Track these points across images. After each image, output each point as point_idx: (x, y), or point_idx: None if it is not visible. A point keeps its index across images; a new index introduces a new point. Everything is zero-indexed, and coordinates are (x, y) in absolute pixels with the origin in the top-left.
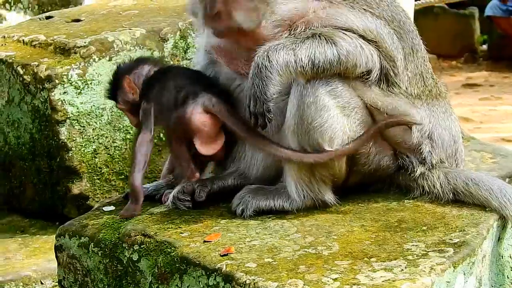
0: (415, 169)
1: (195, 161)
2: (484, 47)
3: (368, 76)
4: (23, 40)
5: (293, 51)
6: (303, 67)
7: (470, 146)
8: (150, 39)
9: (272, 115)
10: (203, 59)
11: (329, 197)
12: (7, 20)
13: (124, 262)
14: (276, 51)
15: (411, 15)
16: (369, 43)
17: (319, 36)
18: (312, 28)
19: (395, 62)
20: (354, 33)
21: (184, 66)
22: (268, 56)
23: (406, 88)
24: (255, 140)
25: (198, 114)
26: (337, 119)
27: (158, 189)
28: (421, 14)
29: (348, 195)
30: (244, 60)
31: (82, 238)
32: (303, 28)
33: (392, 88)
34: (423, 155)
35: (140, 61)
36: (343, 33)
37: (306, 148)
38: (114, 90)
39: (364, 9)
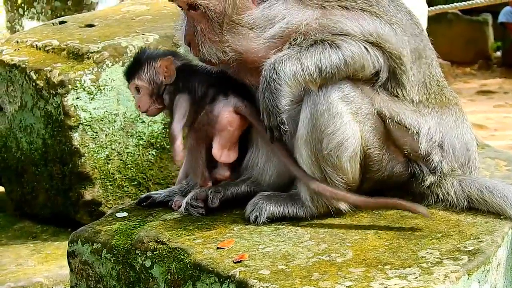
0: (425, 178)
1: (209, 169)
2: (498, 53)
3: (377, 78)
4: (36, 45)
5: (299, 60)
6: (311, 75)
7: (485, 153)
8: (164, 44)
9: (286, 127)
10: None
11: (344, 204)
12: (22, 26)
13: (137, 269)
14: (282, 62)
15: (425, 21)
16: (372, 45)
17: (322, 42)
18: (311, 37)
19: (401, 59)
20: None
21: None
22: (275, 69)
23: (408, 91)
24: (277, 151)
25: (228, 112)
26: (350, 125)
27: (171, 195)
28: (434, 20)
29: None
30: (249, 71)
31: (95, 244)
32: (302, 38)
33: (398, 90)
34: (433, 165)
35: (175, 52)
36: (344, 36)
37: (319, 156)
38: (138, 67)
39: (362, 9)
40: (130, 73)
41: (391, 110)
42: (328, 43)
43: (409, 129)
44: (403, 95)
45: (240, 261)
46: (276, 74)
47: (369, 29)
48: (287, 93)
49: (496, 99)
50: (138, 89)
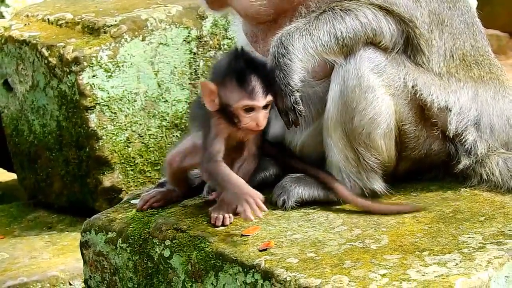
0: (460, 160)
1: None
2: None
3: (395, 45)
4: (48, 19)
5: (308, 31)
6: (324, 45)
7: None
8: (187, 17)
9: (302, 108)
10: (242, 42)
11: (379, 185)
12: None
13: (155, 259)
14: (290, 35)
15: None
16: (380, 9)
17: (332, 9)
18: (314, 7)
19: (413, 22)
20: None
21: None
22: (282, 43)
23: (429, 58)
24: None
25: None
26: (383, 99)
27: (193, 179)
28: None
29: (400, 184)
30: (262, 41)
31: (110, 233)
32: (305, 11)
33: (418, 57)
34: (467, 145)
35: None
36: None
37: (350, 136)
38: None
39: None
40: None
41: (421, 81)
42: (339, 9)
43: (438, 104)
44: (423, 62)
45: (266, 249)
46: (285, 49)
47: None
48: (299, 68)
49: None
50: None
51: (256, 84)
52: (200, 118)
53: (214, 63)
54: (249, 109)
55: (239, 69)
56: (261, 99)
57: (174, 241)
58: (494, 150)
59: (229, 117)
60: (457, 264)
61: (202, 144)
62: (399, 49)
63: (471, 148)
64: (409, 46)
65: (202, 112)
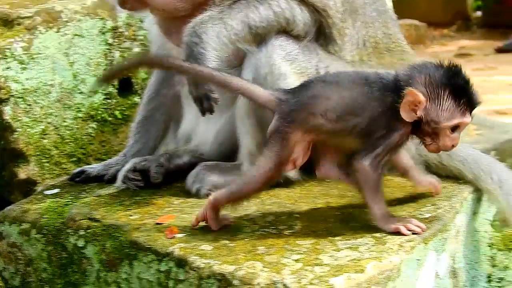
0: None
1: None
2: (478, 13)
3: (306, 34)
4: None
5: (222, 20)
6: (237, 34)
7: None
8: (102, 8)
9: (216, 95)
10: (156, 33)
11: (293, 172)
12: None
13: (69, 249)
14: (203, 24)
15: None
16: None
17: None
18: None
19: (326, 11)
20: None
21: None
22: (195, 32)
23: (341, 47)
24: None
25: None
26: None
27: (107, 168)
28: None
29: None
30: (175, 31)
31: (23, 224)
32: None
33: (330, 46)
34: None
35: None
36: None
37: (263, 123)
38: None
39: None
40: None
41: (333, 68)
42: None
43: None
44: (335, 50)
45: (174, 237)
46: (198, 37)
47: None
48: (213, 57)
49: (475, 62)
50: None
51: (469, 102)
52: (375, 118)
53: (420, 71)
54: (455, 128)
55: (459, 87)
56: (470, 116)
57: (88, 231)
58: None
59: (422, 133)
60: (369, 248)
61: (371, 144)
62: (311, 37)
63: None
64: (321, 35)
65: (378, 113)
